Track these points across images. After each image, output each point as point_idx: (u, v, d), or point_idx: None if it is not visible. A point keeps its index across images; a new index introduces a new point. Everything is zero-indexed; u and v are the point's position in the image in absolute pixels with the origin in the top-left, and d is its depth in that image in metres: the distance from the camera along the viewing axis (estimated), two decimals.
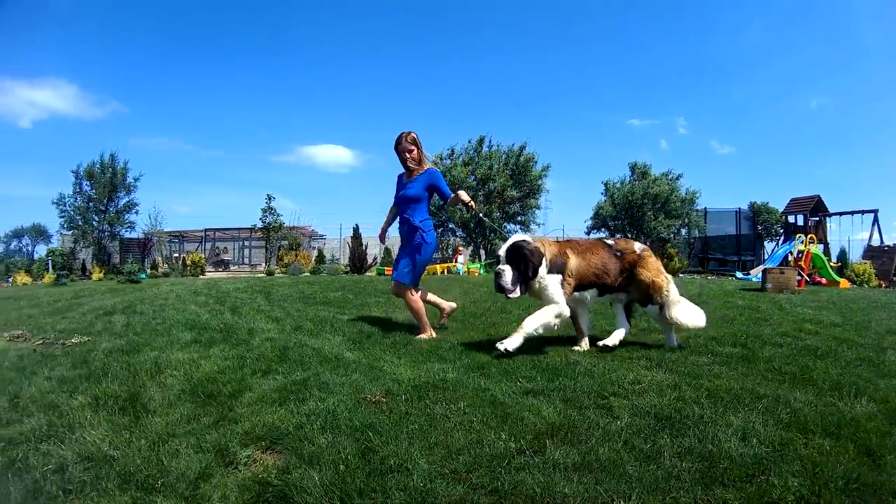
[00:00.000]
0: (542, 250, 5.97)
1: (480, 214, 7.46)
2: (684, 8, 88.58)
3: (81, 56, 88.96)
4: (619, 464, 3.13)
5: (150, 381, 5.15)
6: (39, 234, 61.31)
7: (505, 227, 33.88)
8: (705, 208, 35.06)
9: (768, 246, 37.95)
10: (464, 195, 6.87)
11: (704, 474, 3.00)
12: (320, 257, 32.88)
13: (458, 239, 35.63)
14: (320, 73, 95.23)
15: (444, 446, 3.44)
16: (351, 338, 6.94)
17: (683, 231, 35.00)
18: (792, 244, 24.30)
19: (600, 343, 6.09)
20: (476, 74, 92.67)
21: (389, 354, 6.04)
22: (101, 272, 29.91)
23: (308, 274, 27.00)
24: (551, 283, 5.97)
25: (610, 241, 6.48)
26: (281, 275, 27.13)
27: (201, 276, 27.94)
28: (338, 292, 13.08)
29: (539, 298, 6.09)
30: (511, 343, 5.68)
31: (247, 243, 47.35)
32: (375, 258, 31.21)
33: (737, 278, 23.20)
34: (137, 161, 46.64)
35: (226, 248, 45.64)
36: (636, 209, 33.21)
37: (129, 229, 36.32)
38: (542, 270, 5.93)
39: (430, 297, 7.53)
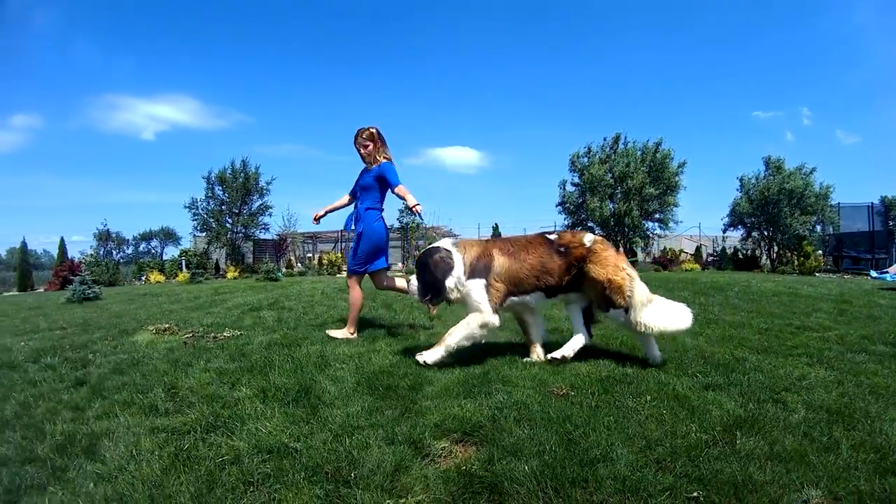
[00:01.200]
0: (450, 258, 5.50)
1: (419, 214, 7.17)
2: None
3: (201, 72, 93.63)
4: (804, 454, 3.21)
5: (319, 374, 5.20)
6: (167, 236, 64.52)
7: (644, 225, 33.27)
8: (838, 203, 32.85)
9: None
10: (403, 190, 6.83)
11: (878, 465, 3.09)
12: None
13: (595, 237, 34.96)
14: (446, 76, 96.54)
15: (641, 437, 3.45)
16: (518, 333, 6.75)
17: (818, 228, 33.31)
18: None
19: (549, 356, 5.40)
20: (605, 73, 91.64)
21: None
22: (235, 271, 31.22)
23: None
24: (473, 289, 5.43)
25: (552, 236, 5.65)
26: None
27: (338, 275, 28.47)
28: None
29: (465, 306, 5.60)
30: (430, 356, 5.32)
31: None
32: None
33: (871, 277, 22.07)
34: (266, 167, 47.99)
35: None
36: (772, 206, 31.80)
37: (263, 231, 37.74)
38: (460, 276, 5.46)
39: (398, 283, 7.34)
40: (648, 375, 4.82)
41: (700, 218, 57.10)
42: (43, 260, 60.02)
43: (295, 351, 6.17)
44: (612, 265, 5.36)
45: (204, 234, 37.81)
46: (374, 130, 7.19)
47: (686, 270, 26.10)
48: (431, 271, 5.46)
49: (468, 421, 3.78)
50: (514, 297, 5.51)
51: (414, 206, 6.53)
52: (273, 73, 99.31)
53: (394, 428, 3.77)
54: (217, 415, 4.22)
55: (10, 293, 28.16)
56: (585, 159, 34.56)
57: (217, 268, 35.85)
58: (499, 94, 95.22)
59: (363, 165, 7.20)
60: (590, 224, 34.69)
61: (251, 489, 3.11)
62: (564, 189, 36.02)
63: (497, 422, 3.76)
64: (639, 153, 33.16)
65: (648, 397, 4.21)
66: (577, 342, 5.48)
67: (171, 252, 60.52)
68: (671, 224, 33.40)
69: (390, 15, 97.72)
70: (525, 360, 5.46)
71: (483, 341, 5.54)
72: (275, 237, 38.90)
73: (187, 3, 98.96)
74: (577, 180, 35.41)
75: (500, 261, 5.48)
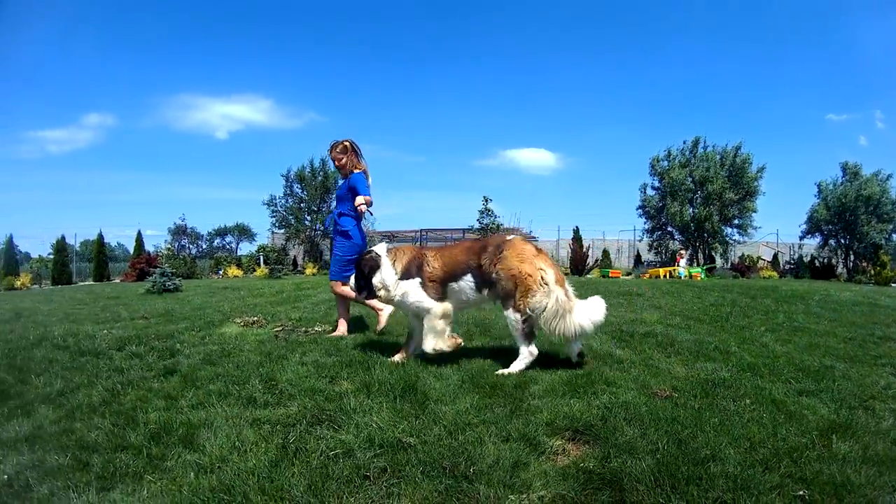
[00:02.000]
0: (378, 260, 5.92)
1: (369, 214, 7.35)
2: None
3: (276, 73, 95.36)
4: (895, 459, 3.36)
5: (421, 370, 5.28)
6: (242, 232, 65.40)
7: (723, 230, 32.86)
8: None
9: None
10: (360, 200, 7.06)
11: None
12: None
13: (676, 242, 34.67)
14: (520, 76, 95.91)
15: (745, 439, 3.58)
16: (614, 336, 7.07)
17: (895, 237, 32.52)
18: None
19: (502, 371, 5.31)
20: (679, 74, 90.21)
21: (658, 353, 6.18)
22: (314, 268, 31.96)
23: None
24: (411, 290, 5.79)
25: (478, 238, 6.06)
26: None
27: None
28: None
29: (405, 309, 6.05)
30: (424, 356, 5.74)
31: None
32: (597, 260, 31.09)
33: None
34: None
35: None
36: (849, 213, 31.11)
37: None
38: (386, 277, 5.85)
39: (370, 301, 7.28)
40: (745, 380, 4.99)
41: (774, 223, 55.98)
42: (116, 252, 61.62)
43: (391, 347, 6.31)
44: (519, 264, 5.47)
45: (283, 230, 38.57)
46: (347, 143, 7.52)
47: (764, 278, 25.75)
48: (362, 271, 5.96)
49: (579, 420, 3.89)
50: (451, 284, 5.76)
51: (359, 206, 7.02)
52: (347, 74, 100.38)
53: (506, 425, 3.87)
54: (321, 408, 4.30)
55: (86, 283, 29.25)
56: (665, 163, 34.37)
57: (295, 264, 36.41)
58: (574, 95, 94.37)
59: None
60: (669, 229, 34.62)
61: (367, 483, 3.15)
62: (645, 193, 35.81)
63: (608, 421, 3.87)
64: (718, 157, 32.76)
65: (748, 401, 4.37)
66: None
67: (245, 248, 61.34)
68: (750, 230, 32.97)
69: (463, 14, 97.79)
70: (393, 358, 5.83)
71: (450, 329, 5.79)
72: None
73: (262, 5, 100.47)
74: (657, 184, 35.15)
75: (431, 259, 5.85)
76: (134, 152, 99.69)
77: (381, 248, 6.08)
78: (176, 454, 3.62)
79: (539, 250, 5.72)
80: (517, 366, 5.33)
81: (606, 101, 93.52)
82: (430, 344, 5.64)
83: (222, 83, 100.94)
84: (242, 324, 8.43)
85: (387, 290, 5.87)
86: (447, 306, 5.72)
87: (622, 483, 3.05)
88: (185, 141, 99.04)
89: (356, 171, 7.44)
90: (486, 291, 5.73)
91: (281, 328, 7.94)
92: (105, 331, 7.98)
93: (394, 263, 5.87)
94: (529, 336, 5.45)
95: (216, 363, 5.89)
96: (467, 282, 5.74)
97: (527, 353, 5.39)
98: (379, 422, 3.95)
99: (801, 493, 2.90)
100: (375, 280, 5.90)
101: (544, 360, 5.58)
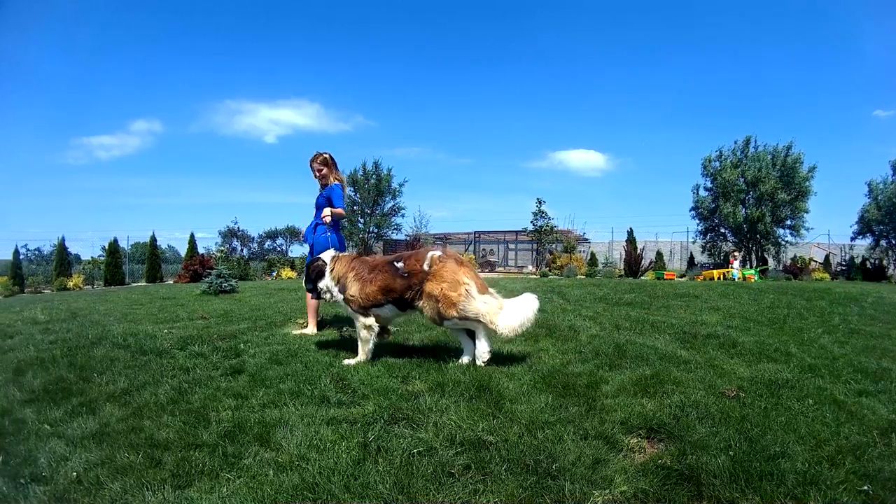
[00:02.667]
0: (323, 267, 6.51)
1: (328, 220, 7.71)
2: None
3: (321, 78, 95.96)
4: None
5: (493, 370, 5.45)
6: (293, 234, 65.79)
7: (775, 231, 32.53)
8: None
9: None
10: (334, 211, 7.83)
11: None
12: (593, 260, 32.88)
13: (729, 244, 34.39)
14: (568, 79, 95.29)
15: (811, 437, 3.77)
16: (677, 337, 7.27)
17: None
18: None
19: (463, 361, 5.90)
20: (726, 73, 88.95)
21: (721, 354, 6.36)
22: None
23: (583, 277, 27.10)
24: (342, 300, 6.40)
25: (399, 263, 6.12)
26: (555, 276, 27.41)
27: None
28: (630, 294, 13.24)
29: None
30: (353, 361, 6.06)
31: (511, 246, 47.04)
32: (651, 262, 31.07)
33: None
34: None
35: (492, 249, 46.19)
36: None
37: (395, 231, 38.73)
38: (328, 283, 6.44)
39: (312, 306, 8.28)
40: (807, 381, 5.17)
41: (826, 224, 55.05)
42: (167, 255, 62.57)
43: (460, 349, 6.32)
44: (447, 280, 5.80)
45: None
46: (327, 156, 8.16)
47: (816, 280, 25.47)
48: (310, 275, 6.66)
49: (652, 418, 4.07)
50: (373, 309, 6.19)
51: (324, 217, 7.78)
52: (394, 78, 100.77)
53: (582, 423, 4.03)
54: (397, 407, 4.42)
55: (138, 284, 29.71)
56: (717, 163, 34.10)
57: None
58: (623, 96, 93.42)
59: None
60: (722, 230, 34.34)
61: (451, 480, 3.26)
62: (698, 194, 35.48)
63: (680, 420, 4.05)
64: (769, 157, 32.33)
65: (811, 401, 4.54)
66: (463, 360, 5.94)
67: (296, 250, 61.96)
68: (802, 231, 32.46)
69: (510, 15, 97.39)
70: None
71: (379, 340, 6.39)
72: (406, 237, 39.28)
73: (304, 11, 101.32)
74: (709, 185, 34.84)
75: (352, 282, 6.25)
76: (182, 157, 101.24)
77: (327, 256, 6.63)
78: (252, 452, 3.74)
79: (461, 263, 6.10)
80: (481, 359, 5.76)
81: (655, 102, 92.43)
82: (361, 348, 6.17)
83: (268, 89, 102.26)
84: (305, 324, 8.49)
85: (330, 293, 6.45)
86: (369, 321, 6.16)
87: (699, 478, 3.23)
88: (234, 146, 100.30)
89: (335, 182, 8.06)
90: (411, 311, 6.31)
91: (346, 329, 8.09)
92: (166, 330, 8.16)
93: (331, 272, 6.43)
94: (471, 335, 5.99)
95: (283, 363, 6.06)
96: (388, 309, 6.24)
97: (484, 351, 5.80)
98: (458, 421, 4.08)
99: (864, 488, 3.09)
100: (321, 284, 6.48)
101: (612, 359, 5.90)
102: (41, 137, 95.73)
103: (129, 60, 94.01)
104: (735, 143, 34.26)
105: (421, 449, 3.64)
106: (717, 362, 5.97)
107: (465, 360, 5.89)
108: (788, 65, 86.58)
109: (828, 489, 3.07)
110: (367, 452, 3.65)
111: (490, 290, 5.97)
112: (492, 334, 5.80)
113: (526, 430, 3.93)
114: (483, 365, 5.63)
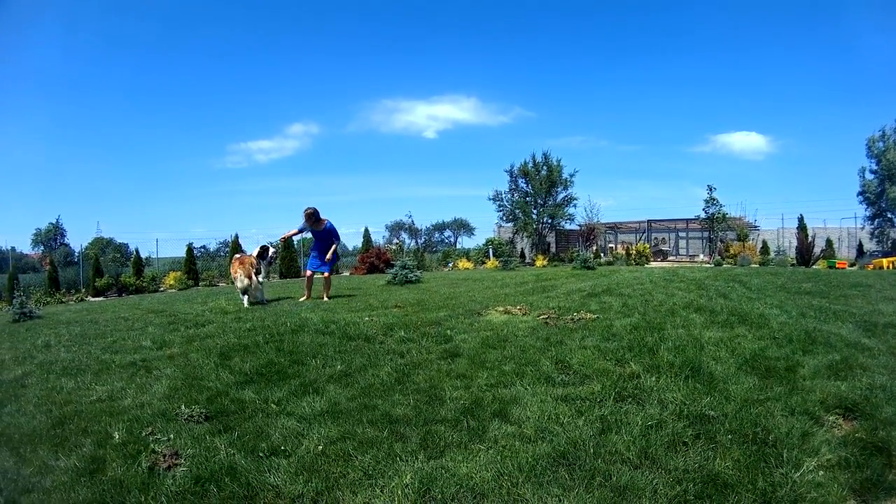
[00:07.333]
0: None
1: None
2: None
3: (475, 72, 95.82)
4: None
5: (699, 354, 5.80)
6: (461, 226, 66.94)
7: None
8: None
9: None
10: (291, 234, 13.61)
11: None
12: (765, 248, 32.10)
13: None
14: (728, 60, 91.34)
15: None
16: (859, 325, 7.54)
17: None
18: None
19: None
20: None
21: None
22: (543, 259, 32.60)
23: (756, 265, 26.57)
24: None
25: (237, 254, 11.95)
26: (728, 265, 26.97)
27: (646, 265, 28.88)
28: (808, 283, 13.21)
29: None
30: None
31: (682, 234, 45.97)
32: (822, 250, 29.92)
33: None
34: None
35: (664, 238, 45.23)
36: None
37: (568, 221, 39.03)
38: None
39: (309, 279, 13.41)
40: None
41: None
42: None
43: (663, 333, 6.79)
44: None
45: (510, 224, 39.54)
46: (311, 211, 12.26)
47: None
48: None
49: (846, 398, 4.61)
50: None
51: (289, 234, 13.63)
52: (548, 67, 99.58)
53: (788, 402, 4.54)
54: (621, 387, 4.85)
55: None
56: (881, 144, 32.11)
57: (522, 255, 37.14)
58: (782, 75, 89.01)
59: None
60: (889, 216, 32.56)
61: (685, 448, 3.78)
62: (864, 177, 33.87)
63: (870, 400, 4.57)
64: None
65: None
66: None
67: (463, 242, 63.68)
68: None
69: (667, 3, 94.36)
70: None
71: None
72: (578, 227, 39.35)
73: (453, 6, 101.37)
74: (874, 167, 33.01)
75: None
76: (341, 156, 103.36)
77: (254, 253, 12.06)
78: (495, 426, 4.15)
79: (241, 262, 11.76)
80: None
81: (815, 80, 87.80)
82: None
83: (422, 86, 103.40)
84: (504, 312, 8.78)
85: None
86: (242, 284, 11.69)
87: (889, 450, 3.82)
88: (394, 143, 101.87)
89: (327, 221, 12.50)
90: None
91: (546, 316, 8.21)
92: (367, 318, 8.47)
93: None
94: (245, 292, 11.50)
95: (497, 347, 6.42)
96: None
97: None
98: (682, 398, 4.57)
99: None
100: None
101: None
102: (199, 144, 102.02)
103: (284, 64, 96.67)
104: None
105: (653, 422, 4.14)
106: None
107: None
108: None
109: None
110: (607, 424, 4.14)
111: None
112: None
113: (739, 407, 4.43)
114: None
